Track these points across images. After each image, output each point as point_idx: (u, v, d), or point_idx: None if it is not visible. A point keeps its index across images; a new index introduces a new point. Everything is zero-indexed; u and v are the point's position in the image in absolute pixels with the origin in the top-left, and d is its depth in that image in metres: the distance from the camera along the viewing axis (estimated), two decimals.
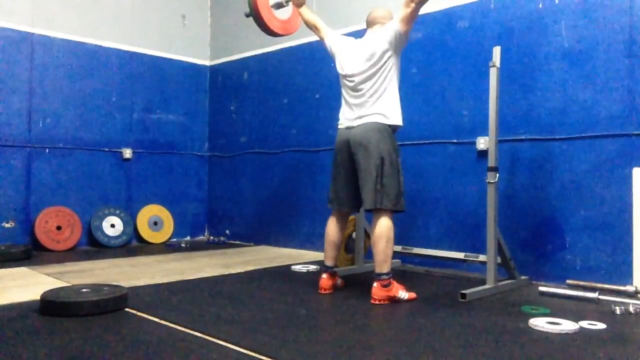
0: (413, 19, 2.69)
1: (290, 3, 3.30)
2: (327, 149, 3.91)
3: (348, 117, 2.87)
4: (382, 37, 2.74)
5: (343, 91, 2.92)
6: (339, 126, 2.93)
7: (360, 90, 2.78)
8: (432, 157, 3.85)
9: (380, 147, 2.69)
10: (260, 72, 5.27)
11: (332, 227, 2.96)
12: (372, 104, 2.75)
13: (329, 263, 2.94)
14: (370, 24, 2.93)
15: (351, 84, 2.82)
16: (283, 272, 3.57)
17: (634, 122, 2.99)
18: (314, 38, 4.70)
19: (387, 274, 2.64)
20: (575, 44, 3.22)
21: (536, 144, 3.35)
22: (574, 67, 3.21)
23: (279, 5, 3.31)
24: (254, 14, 3.22)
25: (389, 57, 2.74)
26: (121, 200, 5.10)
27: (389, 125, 2.76)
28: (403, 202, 2.76)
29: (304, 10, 3.23)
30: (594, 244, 3.10)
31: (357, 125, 2.78)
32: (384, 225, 2.68)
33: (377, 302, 2.62)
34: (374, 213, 2.75)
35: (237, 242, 5.35)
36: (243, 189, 5.40)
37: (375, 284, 2.65)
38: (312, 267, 3.64)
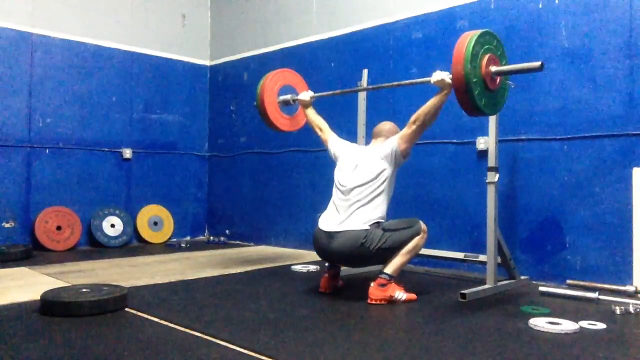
0: (414, 139, 2.78)
1: (297, 102, 3.43)
2: (326, 149, 3.91)
3: (332, 220, 2.81)
4: (380, 152, 2.81)
5: (333, 191, 2.93)
6: (319, 225, 2.85)
7: (349, 195, 2.80)
8: (432, 157, 3.85)
9: (370, 244, 2.65)
10: (260, 72, 5.21)
11: None
12: (357, 209, 2.74)
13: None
14: (375, 135, 3.00)
15: (343, 189, 2.85)
16: (283, 272, 3.57)
17: (634, 122, 2.99)
18: (312, 38, 4.72)
19: (390, 275, 2.65)
20: (575, 43, 3.22)
21: (536, 144, 3.35)
22: (574, 67, 3.21)
23: (285, 103, 3.47)
24: (261, 111, 3.39)
25: (382, 171, 2.78)
26: (121, 200, 5.10)
27: (369, 225, 2.71)
28: (417, 224, 2.75)
29: (309, 111, 3.36)
30: (594, 244, 3.10)
31: (339, 233, 2.72)
32: (414, 240, 2.70)
33: (374, 302, 2.62)
34: None
35: (237, 242, 5.35)
36: (243, 189, 5.40)
37: (372, 284, 2.65)
38: (312, 267, 3.64)
